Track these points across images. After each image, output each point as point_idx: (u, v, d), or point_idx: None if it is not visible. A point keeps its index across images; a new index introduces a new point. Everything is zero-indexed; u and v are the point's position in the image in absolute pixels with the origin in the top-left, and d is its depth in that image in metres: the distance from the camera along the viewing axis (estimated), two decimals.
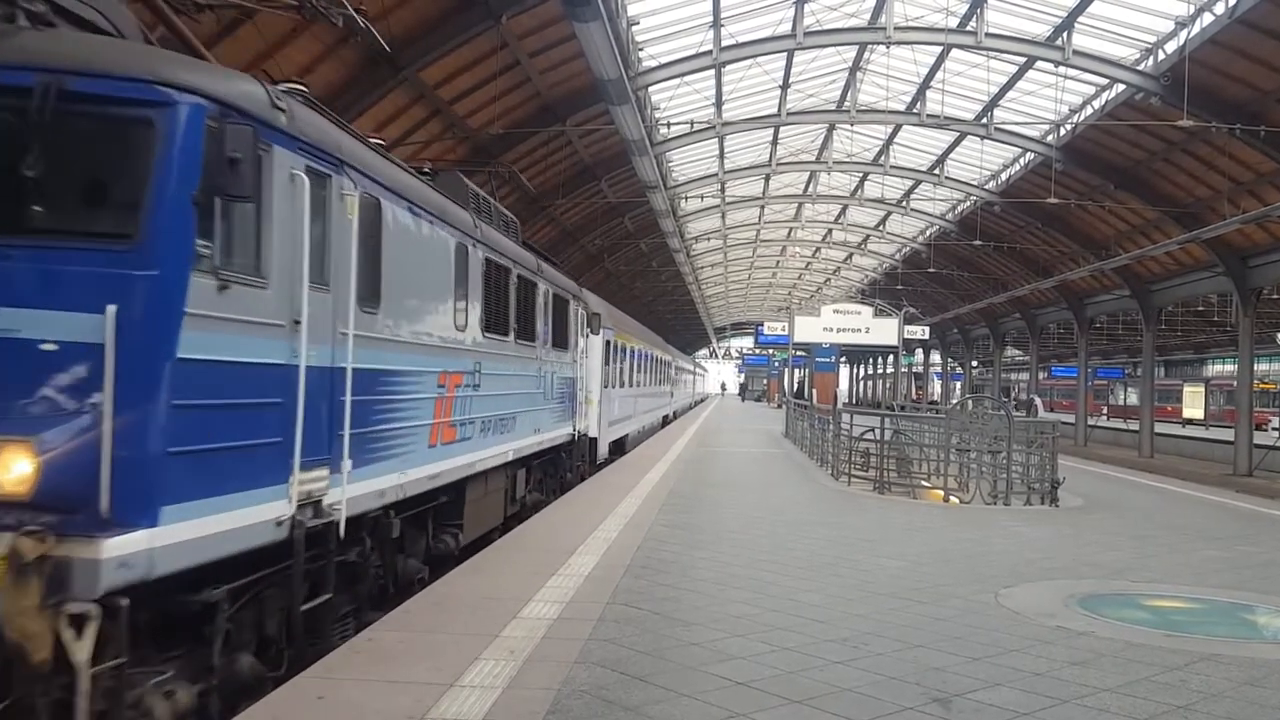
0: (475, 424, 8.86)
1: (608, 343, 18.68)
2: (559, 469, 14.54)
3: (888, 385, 65.44)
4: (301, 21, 15.56)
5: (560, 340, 13.32)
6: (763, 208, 42.18)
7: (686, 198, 35.04)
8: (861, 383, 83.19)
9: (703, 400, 72.69)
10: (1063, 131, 26.11)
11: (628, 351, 22.63)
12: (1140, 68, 21.13)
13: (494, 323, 9.60)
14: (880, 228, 44.89)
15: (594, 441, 17.44)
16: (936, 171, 32.91)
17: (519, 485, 11.66)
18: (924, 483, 15.31)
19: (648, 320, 47.97)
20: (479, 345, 8.97)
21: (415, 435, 7.27)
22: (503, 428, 10.08)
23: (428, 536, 8.39)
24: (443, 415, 7.92)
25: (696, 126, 26.40)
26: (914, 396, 65.03)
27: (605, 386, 18.21)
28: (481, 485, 9.55)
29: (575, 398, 14.84)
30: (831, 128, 30.86)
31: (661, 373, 33.60)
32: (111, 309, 4.27)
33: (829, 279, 63.93)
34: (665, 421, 35.33)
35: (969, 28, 21.20)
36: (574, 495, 13.04)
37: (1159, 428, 34.15)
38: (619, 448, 21.23)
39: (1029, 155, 28.73)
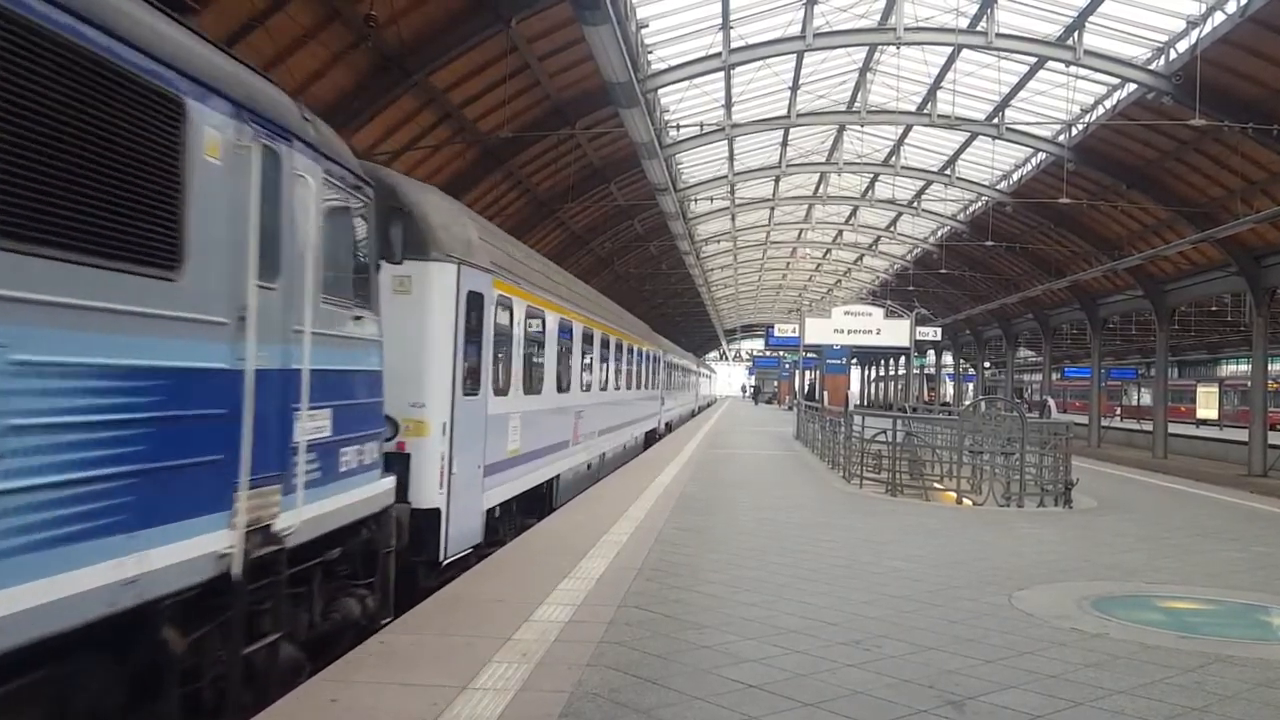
0: None
1: (477, 299, 8.93)
2: (166, 663, 4.15)
3: (899, 387, 65.31)
4: (312, 27, 15.71)
5: (141, 246, 3.77)
6: (773, 209, 42.14)
7: (696, 200, 35.03)
8: (873, 384, 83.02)
9: (709, 405, 71.13)
10: (1074, 131, 26.03)
11: (548, 327, 12.18)
12: (1152, 67, 21.04)
13: None
14: (891, 229, 44.80)
15: (434, 516, 8.09)
16: (948, 172, 32.83)
17: None
18: (937, 485, 15.27)
19: (657, 323, 47.64)
20: None
21: None
22: None
23: None
24: None
25: (706, 128, 26.39)
26: (926, 398, 64.90)
27: (468, 393, 8.69)
28: None
29: (233, 436, 4.47)
30: (841, 129, 30.82)
31: (643, 371, 23.79)
32: None
33: (840, 280, 63.84)
34: (651, 439, 25.73)
35: (979, 28, 21.14)
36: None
37: (1173, 428, 33.97)
38: (533, 507, 11.65)
39: (1040, 155, 28.64)
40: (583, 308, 15.08)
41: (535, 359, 11.70)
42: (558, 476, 13.00)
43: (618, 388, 18.88)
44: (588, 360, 15.39)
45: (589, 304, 16.23)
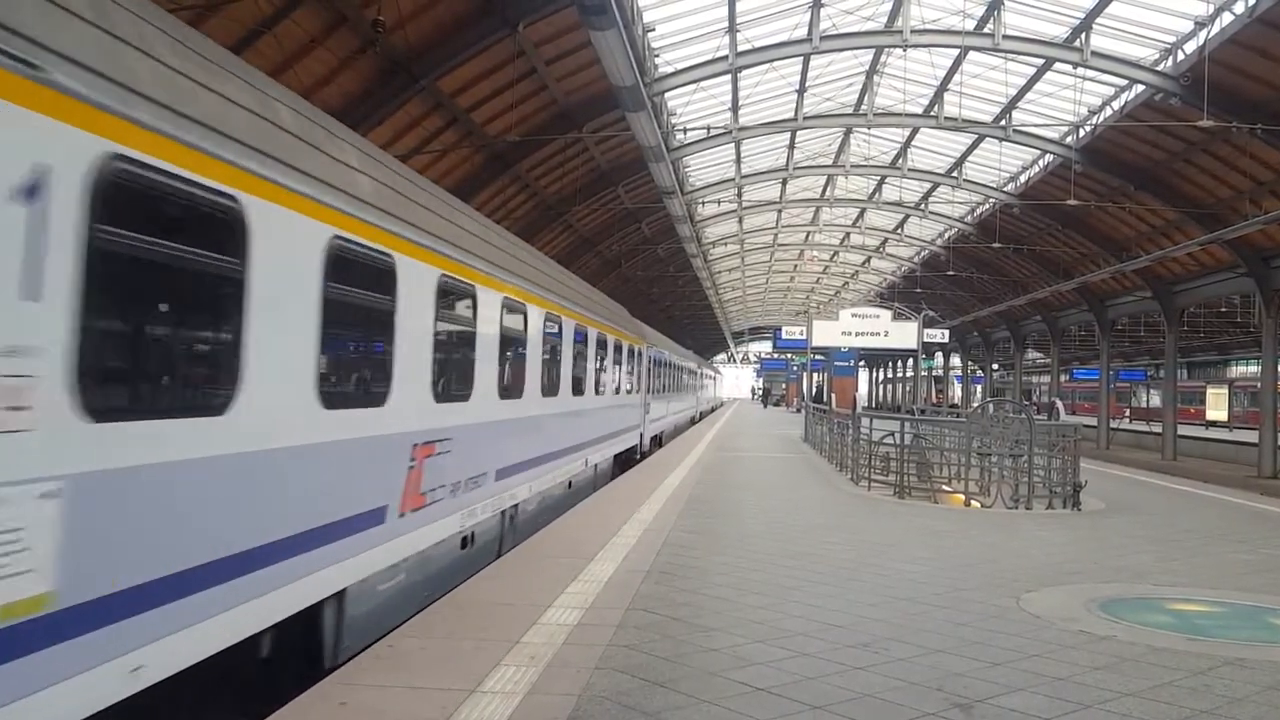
0: None
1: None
2: None
3: (907, 389, 65.19)
4: (319, 33, 15.78)
5: None
6: (780, 212, 42.18)
7: (703, 202, 35.10)
8: (881, 386, 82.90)
9: (714, 410, 69.98)
10: (1082, 133, 26.00)
11: (318, 255, 5.32)
12: (1159, 68, 21.02)
13: None
14: (898, 231, 44.80)
15: None
16: (955, 174, 32.82)
17: None
18: (945, 487, 15.25)
19: (664, 326, 47.55)
20: None
21: None
22: None
23: None
24: None
25: (713, 131, 26.45)
26: (934, 400, 64.83)
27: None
28: None
29: None
30: (848, 131, 30.85)
31: (614, 370, 17.90)
32: None
33: (847, 283, 63.81)
34: (632, 459, 20.59)
35: (986, 30, 21.16)
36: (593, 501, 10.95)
37: (1182, 430, 33.86)
38: (261, 670, 5.46)
39: (1048, 157, 28.62)
40: (472, 250, 8.46)
41: (232, 323, 4.70)
42: (341, 593, 5.98)
43: (555, 394, 12.14)
44: (478, 346, 8.72)
45: (493, 250, 9.38)
